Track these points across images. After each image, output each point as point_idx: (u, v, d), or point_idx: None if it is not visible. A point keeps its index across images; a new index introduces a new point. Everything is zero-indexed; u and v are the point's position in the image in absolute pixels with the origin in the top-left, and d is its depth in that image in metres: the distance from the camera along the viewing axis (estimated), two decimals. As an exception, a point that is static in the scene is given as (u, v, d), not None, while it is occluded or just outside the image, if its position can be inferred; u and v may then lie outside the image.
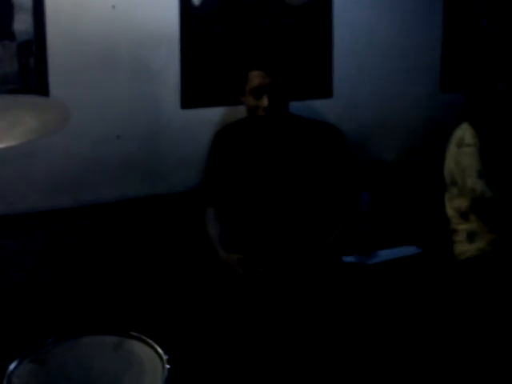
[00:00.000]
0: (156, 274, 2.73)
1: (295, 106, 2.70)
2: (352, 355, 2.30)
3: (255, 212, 2.58)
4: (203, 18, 2.78)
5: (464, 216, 2.62)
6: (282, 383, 2.20)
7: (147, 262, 2.74)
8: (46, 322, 2.46)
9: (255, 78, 2.51)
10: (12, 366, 1.76)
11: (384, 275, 2.72)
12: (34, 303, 2.54)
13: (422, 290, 2.62)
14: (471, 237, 2.60)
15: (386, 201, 3.06)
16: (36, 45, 2.49)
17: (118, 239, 2.71)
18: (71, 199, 2.66)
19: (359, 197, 2.76)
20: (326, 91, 3.11)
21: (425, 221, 3.07)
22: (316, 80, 3.09)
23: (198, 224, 2.65)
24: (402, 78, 3.28)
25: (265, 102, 2.49)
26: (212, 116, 2.87)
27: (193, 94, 2.82)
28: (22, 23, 2.46)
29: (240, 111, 2.69)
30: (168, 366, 1.76)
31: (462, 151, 2.58)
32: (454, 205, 2.66)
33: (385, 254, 2.84)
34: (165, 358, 1.79)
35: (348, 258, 2.80)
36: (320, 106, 3.08)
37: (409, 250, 2.87)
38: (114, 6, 2.61)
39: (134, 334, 1.90)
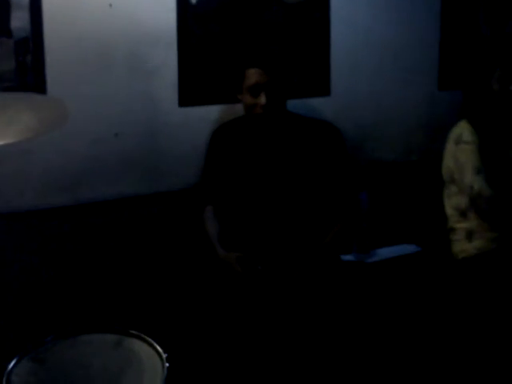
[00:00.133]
0: (155, 272, 2.72)
1: (293, 104, 2.69)
2: (351, 354, 2.30)
3: (254, 210, 2.58)
4: (201, 15, 2.78)
5: (463, 214, 2.62)
6: (281, 381, 2.20)
7: (146, 260, 2.73)
8: (45, 320, 2.45)
9: (252, 75, 2.50)
10: (11, 365, 1.75)
11: (383, 274, 2.72)
12: (33, 301, 2.53)
13: (420, 288, 2.62)
14: (470, 235, 2.60)
15: (384, 199, 3.06)
16: (33, 42, 2.48)
17: (117, 237, 2.70)
18: (69, 197, 2.65)
19: (358, 195, 2.76)
20: (323, 89, 3.11)
21: (423, 219, 3.07)
22: (314, 78, 3.08)
23: (196, 222, 2.65)
24: (400, 76, 3.28)
25: (262, 99, 2.48)
26: (210, 114, 2.86)
27: (190, 92, 2.81)
28: (19, 20, 2.45)
29: (238, 109, 2.69)
30: (167, 365, 1.75)
31: (460, 148, 2.58)
32: (452, 203, 2.67)
33: (384, 253, 2.84)
34: (164, 356, 1.78)
35: (347, 257, 2.80)
36: (318, 104, 3.08)
37: (408, 249, 2.87)
38: (111, 4, 2.60)
39: (134, 332, 1.89)
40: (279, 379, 2.20)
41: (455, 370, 2.34)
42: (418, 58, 3.30)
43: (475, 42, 3.38)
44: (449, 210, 2.70)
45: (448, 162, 2.66)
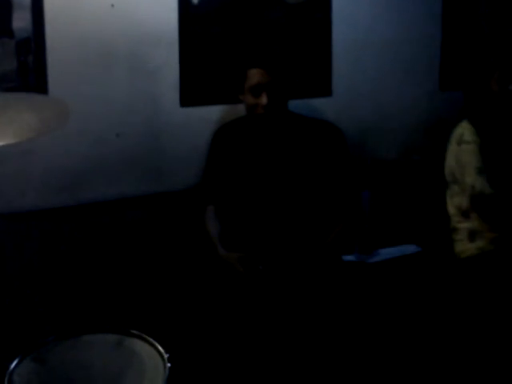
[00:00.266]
0: (156, 272, 2.72)
1: (294, 105, 2.69)
2: (352, 354, 2.30)
3: (255, 210, 2.58)
4: (202, 15, 2.78)
5: (465, 214, 2.62)
6: (282, 381, 2.20)
7: (147, 260, 2.73)
8: (47, 321, 2.45)
9: (254, 76, 2.50)
10: (13, 365, 1.75)
11: (384, 274, 2.71)
12: (34, 301, 2.53)
13: (422, 288, 2.61)
14: (472, 235, 2.60)
15: (386, 199, 3.06)
16: (35, 42, 2.48)
17: (118, 238, 2.70)
18: (70, 197, 2.65)
19: (359, 195, 2.76)
20: (325, 89, 3.11)
21: (425, 219, 3.06)
22: (315, 78, 3.08)
23: (197, 222, 2.65)
24: (402, 76, 3.28)
25: (264, 99, 2.49)
26: (211, 114, 2.86)
27: (192, 92, 2.81)
28: (21, 21, 2.45)
29: (239, 109, 2.69)
30: (169, 365, 1.75)
31: (461, 148, 2.59)
32: (455, 203, 2.67)
33: (385, 253, 2.83)
34: (166, 356, 1.79)
35: (348, 257, 2.79)
36: (319, 105, 3.08)
37: (409, 249, 2.87)
38: (112, 5, 2.60)
39: (135, 332, 1.89)
40: (281, 379, 2.20)
41: (457, 369, 2.33)
42: (419, 58, 3.30)
43: (477, 42, 3.38)
44: (451, 210, 2.69)
45: (450, 163, 2.66)
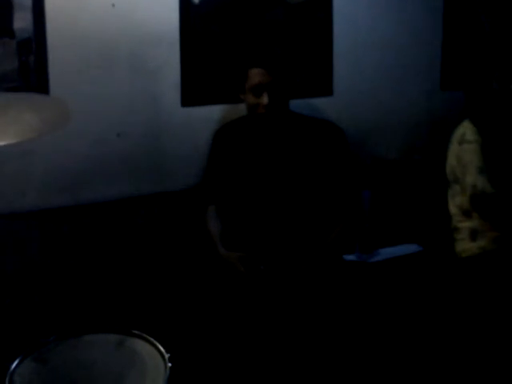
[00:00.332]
0: (157, 272, 2.72)
1: (295, 104, 2.70)
2: (353, 354, 2.30)
3: (256, 210, 2.58)
4: (203, 15, 2.78)
5: (467, 213, 2.62)
6: (282, 381, 2.20)
7: (148, 260, 2.73)
8: (48, 321, 2.45)
9: (255, 75, 2.50)
10: (14, 365, 1.75)
11: (385, 273, 2.71)
12: (35, 302, 2.53)
13: (423, 288, 2.61)
14: (473, 235, 2.60)
15: (387, 199, 3.05)
16: (36, 43, 2.48)
17: (119, 238, 2.70)
18: (71, 197, 2.65)
19: (360, 195, 2.75)
20: (326, 89, 3.11)
21: (426, 219, 3.06)
22: (316, 78, 3.08)
23: (198, 222, 2.65)
24: (403, 75, 3.28)
25: (265, 99, 2.49)
26: (212, 114, 2.86)
27: (193, 92, 2.81)
28: (22, 21, 2.44)
29: (240, 109, 2.69)
30: (170, 364, 1.75)
31: (463, 148, 2.58)
32: (456, 202, 2.66)
33: (386, 252, 2.82)
34: (167, 356, 1.79)
35: (349, 257, 2.78)
36: (320, 104, 3.08)
37: (410, 248, 2.86)
38: (113, 4, 2.60)
39: (136, 332, 1.90)
40: (282, 379, 2.20)
41: (458, 369, 2.33)
42: (420, 57, 3.30)
43: (477, 41, 3.38)
44: (453, 210, 2.69)
45: (452, 162, 2.66)
